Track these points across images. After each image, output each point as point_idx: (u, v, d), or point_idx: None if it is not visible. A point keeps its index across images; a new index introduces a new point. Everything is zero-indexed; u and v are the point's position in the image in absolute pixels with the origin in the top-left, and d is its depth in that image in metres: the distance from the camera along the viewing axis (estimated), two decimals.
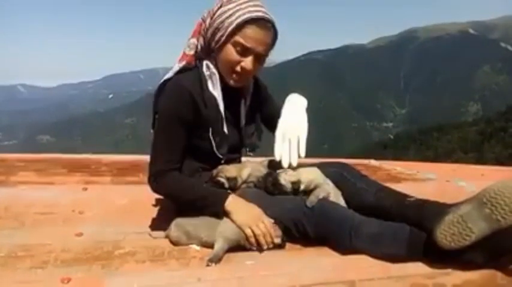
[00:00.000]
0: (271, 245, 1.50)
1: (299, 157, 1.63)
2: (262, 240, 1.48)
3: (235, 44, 1.55)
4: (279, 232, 1.52)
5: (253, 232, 1.48)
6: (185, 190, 1.60)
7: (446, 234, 1.24)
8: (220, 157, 1.70)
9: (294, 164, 1.62)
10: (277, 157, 1.64)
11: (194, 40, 1.67)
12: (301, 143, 1.63)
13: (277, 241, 1.50)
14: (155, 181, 1.61)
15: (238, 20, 1.51)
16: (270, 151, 1.70)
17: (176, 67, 1.66)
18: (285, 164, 1.62)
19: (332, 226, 1.48)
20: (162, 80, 1.66)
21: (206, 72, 1.63)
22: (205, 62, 1.65)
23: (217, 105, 1.65)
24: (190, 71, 1.65)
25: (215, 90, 1.64)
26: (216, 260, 1.38)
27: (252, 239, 1.48)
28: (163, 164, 1.60)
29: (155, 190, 1.64)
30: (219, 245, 1.44)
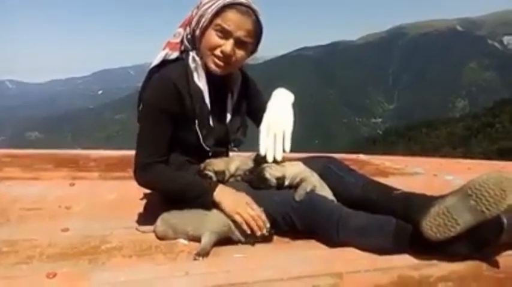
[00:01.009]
0: (264, 231, 1.49)
1: (284, 151, 1.61)
2: (253, 225, 1.48)
3: (216, 27, 1.57)
4: (267, 223, 1.52)
5: (242, 218, 1.48)
6: (171, 182, 1.61)
7: (432, 225, 1.25)
8: (207, 149, 1.70)
9: (279, 158, 1.60)
10: (261, 151, 1.62)
11: (181, 30, 1.68)
12: (286, 137, 1.61)
13: (265, 231, 1.50)
14: (140, 174, 1.62)
15: (220, 5, 1.54)
16: (257, 144, 1.68)
17: (161, 54, 1.67)
18: (269, 159, 1.60)
19: (320, 218, 1.48)
20: (148, 70, 1.68)
21: (192, 65, 1.64)
22: (191, 54, 1.65)
23: (203, 98, 1.65)
24: (176, 63, 1.66)
25: (200, 82, 1.65)
26: (204, 254, 1.37)
27: (244, 226, 1.48)
28: (147, 157, 1.60)
29: (140, 183, 1.64)
30: (206, 239, 1.44)
